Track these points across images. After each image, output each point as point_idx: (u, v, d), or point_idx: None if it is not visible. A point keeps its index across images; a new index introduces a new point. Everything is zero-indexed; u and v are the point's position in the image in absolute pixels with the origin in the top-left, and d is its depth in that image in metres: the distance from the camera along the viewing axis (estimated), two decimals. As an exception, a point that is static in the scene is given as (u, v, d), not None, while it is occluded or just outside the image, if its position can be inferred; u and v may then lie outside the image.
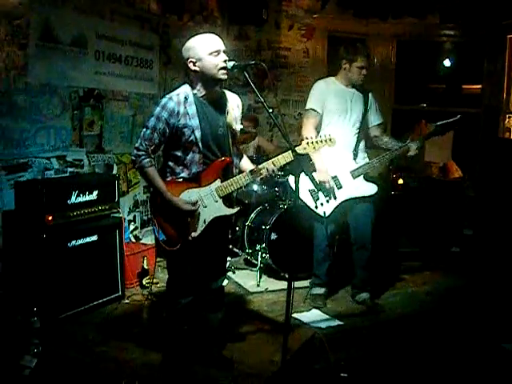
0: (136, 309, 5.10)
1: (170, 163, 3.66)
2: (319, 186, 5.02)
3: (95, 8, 5.76)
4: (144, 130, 3.58)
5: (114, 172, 6.18)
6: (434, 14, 8.17)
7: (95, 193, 5.02)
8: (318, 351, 3.65)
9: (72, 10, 5.49)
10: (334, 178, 5.11)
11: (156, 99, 6.39)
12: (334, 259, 5.51)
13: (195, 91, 3.62)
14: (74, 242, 4.80)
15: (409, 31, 8.38)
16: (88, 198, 4.95)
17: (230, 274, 6.07)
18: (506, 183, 6.99)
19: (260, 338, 4.58)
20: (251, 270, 6.28)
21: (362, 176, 5.17)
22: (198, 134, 3.54)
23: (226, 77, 3.56)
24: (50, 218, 4.56)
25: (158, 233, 3.66)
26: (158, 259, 5.28)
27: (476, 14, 7.84)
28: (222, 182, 3.67)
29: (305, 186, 5.05)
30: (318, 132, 5.10)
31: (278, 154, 3.69)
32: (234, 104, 3.84)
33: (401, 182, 7.30)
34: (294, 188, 5.00)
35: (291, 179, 5.26)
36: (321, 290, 5.47)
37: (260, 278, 5.94)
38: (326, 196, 5.08)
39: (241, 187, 3.80)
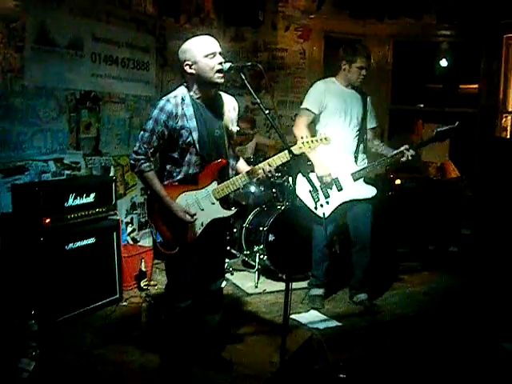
0: (134, 311, 5.09)
1: (167, 165, 3.64)
2: (316, 187, 5.03)
3: (91, 10, 5.75)
4: (142, 132, 3.56)
5: (111, 174, 6.16)
6: (430, 14, 8.17)
7: (92, 195, 5.02)
8: (316, 352, 3.65)
9: (68, 12, 5.48)
10: (335, 179, 5.11)
11: (153, 101, 6.37)
12: (332, 260, 5.51)
13: (191, 93, 3.61)
14: (71, 245, 4.80)
15: (405, 31, 8.38)
16: (85, 200, 4.95)
17: (228, 275, 6.06)
18: (504, 182, 6.99)
19: (258, 340, 4.58)
20: (249, 272, 6.27)
21: (362, 178, 5.18)
22: (195, 135, 3.54)
23: (222, 80, 3.55)
24: (48, 220, 4.56)
25: (155, 235, 3.66)
26: (156, 261, 5.31)
27: (472, 14, 7.85)
28: (218, 184, 3.66)
29: (305, 186, 5.04)
30: (314, 132, 5.11)
31: (275, 155, 3.69)
32: (231, 106, 3.83)
33: (398, 182, 7.30)
34: (308, 184, 5.05)
35: (298, 179, 5.25)
36: (319, 291, 5.47)
37: (258, 279, 5.94)
38: (325, 195, 5.08)
39: (238, 189, 3.79)
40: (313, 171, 5.09)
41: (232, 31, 7.97)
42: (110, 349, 4.32)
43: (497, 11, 7.61)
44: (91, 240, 4.99)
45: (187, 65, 3.55)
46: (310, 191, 5.07)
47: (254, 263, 6.05)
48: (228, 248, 6.36)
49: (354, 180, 5.15)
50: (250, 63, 3.61)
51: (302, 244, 5.31)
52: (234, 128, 3.82)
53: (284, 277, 5.85)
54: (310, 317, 5.12)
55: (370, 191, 5.21)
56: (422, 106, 8.94)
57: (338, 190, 5.12)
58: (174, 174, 3.62)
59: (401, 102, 8.81)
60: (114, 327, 4.76)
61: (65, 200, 4.76)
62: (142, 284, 5.63)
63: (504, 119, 7.94)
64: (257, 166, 3.70)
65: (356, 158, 5.26)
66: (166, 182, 3.62)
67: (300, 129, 5.13)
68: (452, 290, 5.97)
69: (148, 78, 6.69)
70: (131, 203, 6.60)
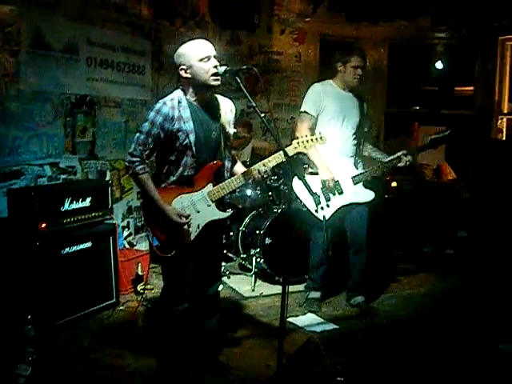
0: (131, 315, 5.07)
1: (164, 168, 3.64)
2: (312, 190, 5.03)
3: (86, 15, 5.74)
4: (138, 134, 3.56)
5: (107, 178, 6.16)
6: (425, 17, 8.18)
7: (88, 199, 5.01)
8: (313, 355, 3.63)
9: (63, 16, 5.47)
10: (336, 182, 5.11)
11: (148, 105, 6.37)
12: (329, 263, 5.51)
13: (188, 96, 3.61)
14: (67, 249, 4.79)
15: (401, 34, 8.40)
16: (81, 204, 4.95)
17: (224, 279, 6.05)
18: (500, 184, 7.00)
19: (255, 343, 4.57)
20: (246, 275, 6.27)
21: (361, 182, 5.19)
22: (192, 137, 3.54)
23: (218, 83, 3.55)
24: (44, 225, 4.55)
25: (152, 239, 3.65)
26: (152, 265, 5.29)
27: (467, 17, 7.86)
28: (214, 186, 3.66)
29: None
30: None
31: (270, 155, 3.70)
32: (227, 108, 3.83)
33: (394, 184, 7.31)
34: (296, 191, 5.05)
35: (295, 182, 5.25)
36: (316, 294, 5.47)
37: (255, 282, 5.94)
38: (326, 198, 5.08)
39: (233, 190, 3.79)
40: (315, 174, 5.08)
41: (227, 35, 7.97)
42: (107, 353, 4.32)
43: (491, 13, 7.63)
44: (87, 244, 4.98)
45: (182, 69, 3.55)
46: (311, 193, 5.07)
47: (250, 266, 6.05)
48: (224, 251, 6.37)
49: (354, 184, 5.16)
50: (245, 67, 3.61)
51: (299, 247, 5.32)
52: (231, 130, 3.83)
53: (281, 280, 5.84)
54: (307, 320, 5.11)
55: (368, 195, 5.22)
56: (417, 108, 8.94)
57: (339, 194, 5.12)
58: (171, 177, 3.62)
59: (396, 105, 8.82)
60: (110, 331, 4.76)
61: (61, 204, 4.75)
62: (139, 288, 5.62)
63: (500, 121, 7.95)
64: (252, 167, 3.70)
65: (356, 161, 5.28)
66: (162, 185, 3.62)
67: (302, 133, 5.11)
68: (449, 292, 5.97)
69: (144, 81, 6.68)
70: (127, 207, 6.59)
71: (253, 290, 5.86)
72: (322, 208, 5.06)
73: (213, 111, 3.70)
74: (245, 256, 6.27)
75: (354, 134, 5.25)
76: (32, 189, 4.98)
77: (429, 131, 8.14)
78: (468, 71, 8.32)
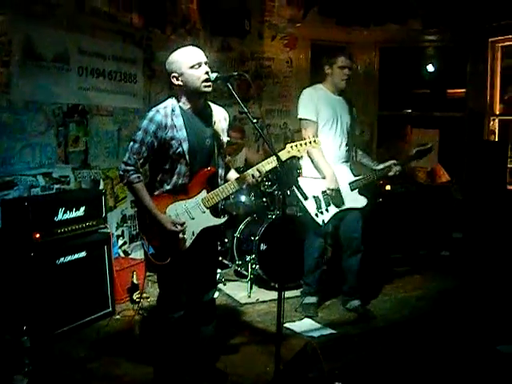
0: (127, 324, 5.06)
1: (158, 176, 3.64)
2: (306, 196, 5.06)
3: (77, 24, 5.72)
4: (132, 143, 3.55)
5: (101, 187, 6.15)
6: (416, 20, 8.21)
7: (82, 209, 5.01)
8: (311, 360, 3.63)
9: (53, 26, 5.46)
10: (339, 193, 5.12)
11: (141, 113, 6.36)
12: (325, 267, 5.52)
13: (181, 104, 3.61)
14: (62, 259, 4.78)
15: (391, 37, 8.42)
16: (75, 214, 4.94)
17: (220, 285, 6.05)
18: (493, 185, 7.02)
19: (252, 349, 4.57)
20: (242, 282, 6.26)
21: (357, 188, 5.22)
22: (185, 146, 3.53)
23: (209, 89, 3.55)
24: (38, 235, 4.54)
25: (147, 247, 3.64)
26: (148, 274, 5.28)
27: (458, 19, 7.88)
28: (208, 192, 3.66)
29: (309, 191, 5.05)
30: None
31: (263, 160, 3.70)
32: (221, 116, 3.83)
33: (388, 188, 7.32)
34: (298, 194, 5.07)
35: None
36: (312, 299, 5.47)
37: (251, 288, 5.92)
38: (325, 203, 5.09)
39: (227, 197, 3.79)
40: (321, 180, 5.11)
41: (218, 41, 7.97)
42: (103, 362, 4.30)
43: (482, 15, 7.65)
44: (82, 254, 4.97)
45: (174, 76, 3.56)
46: (313, 197, 5.08)
47: (246, 273, 6.04)
48: (220, 258, 6.36)
49: (351, 190, 5.19)
50: (236, 73, 3.62)
51: (294, 252, 5.31)
52: (225, 138, 3.83)
53: (277, 286, 5.83)
54: (303, 325, 5.11)
55: (363, 201, 5.28)
56: (409, 111, 8.96)
57: (338, 206, 5.15)
58: (164, 185, 3.61)
59: (388, 108, 8.83)
60: (107, 341, 4.74)
61: (54, 214, 4.75)
62: (135, 297, 5.61)
63: (492, 122, 7.96)
64: (246, 173, 3.70)
65: (351, 167, 5.30)
66: (156, 193, 3.61)
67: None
68: (445, 294, 5.98)
69: (135, 90, 6.67)
70: (122, 216, 6.57)
71: (249, 297, 5.85)
72: (321, 212, 5.07)
73: (206, 119, 3.70)
74: (240, 262, 6.27)
75: (347, 138, 5.27)
76: (25, 199, 4.96)
77: (421, 134, 8.19)
78: (459, 73, 8.33)
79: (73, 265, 4.87)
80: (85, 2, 5.81)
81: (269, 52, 8.25)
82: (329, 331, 4.97)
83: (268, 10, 8.14)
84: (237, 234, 6.36)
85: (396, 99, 8.94)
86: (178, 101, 3.62)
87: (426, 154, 5.37)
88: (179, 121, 3.55)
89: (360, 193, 5.26)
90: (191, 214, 3.63)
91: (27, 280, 4.51)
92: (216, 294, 4.27)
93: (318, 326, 5.10)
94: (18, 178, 5.17)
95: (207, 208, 3.67)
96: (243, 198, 6.53)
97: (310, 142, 3.69)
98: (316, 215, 5.07)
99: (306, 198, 5.02)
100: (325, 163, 5.08)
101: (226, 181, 3.82)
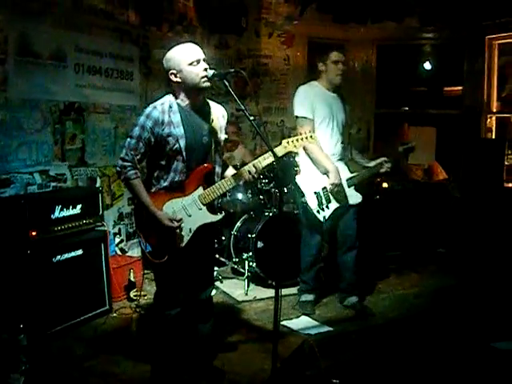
0: (124, 322, 5.06)
1: (154, 173, 3.63)
2: (304, 193, 5.07)
3: (73, 21, 5.70)
4: (129, 139, 3.55)
5: (98, 185, 6.13)
6: (413, 18, 8.21)
7: (79, 207, 5.00)
8: (308, 358, 3.62)
9: (50, 24, 5.44)
10: (341, 189, 5.13)
11: (137, 111, 6.34)
12: (322, 264, 5.52)
13: (179, 100, 3.60)
14: (58, 257, 4.76)
15: (389, 35, 8.42)
16: (72, 212, 4.93)
17: (217, 283, 6.04)
18: (490, 183, 7.03)
19: (250, 347, 4.57)
20: (239, 279, 6.26)
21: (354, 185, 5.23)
22: (182, 142, 3.53)
23: (208, 84, 3.55)
24: (34, 233, 4.53)
25: (144, 245, 3.63)
26: (145, 271, 5.27)
27: (455, 17, 7.89)
28: (204, 189, 3.65)
29: (311, 188, 5.05)
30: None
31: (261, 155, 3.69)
32: (219, 114, 3.82)
33: (385, 185, 7.32)
34: (301, 188, 5.08)
35: (299, 179, 5.24)
36: (309, 297, 5.47)
37: (248, 286, 5.93)
38: (326, 199, 5.10)
39: (224, 193, 3.78)
40: (321, 176, 5.11)
41: (215, 39, 7.96)
42: (101, 360, 4.29)
43: (478, 13, 7.65)
44: (79, 252, 4.96)
45: (172, 73, 3.55)
46: (314, 193, 5.08)
47: (243, 270, 6.04)
48: (217, 256, 6.36)
49: (348, 186, 5.19)
50: (233, 70, 3.60)
51: (291, 250, 5.30)
52: (223, 136, 3.82)
53: (274, 283, 5.83)
54: (300, 322, 5.11)
55: (358, 197, 5.30)
56: (406, 109, 8.95)
57: (339, 202, 5.16)
58: (161, 182, 3.61)
59: (385, 106, 8.83)
60: (104, 339, 4.73)
61: (51, 212, 4.73)
62: (132, 295, 5.60)
63: (489, 120, 7.97)
64: (242, 169, 3.70)
65: (346, 163, 5.30)
66: (152, 190, 3.61)
67: None
68: (442, 291, 5.98)
69: (132, 87, 6.66)
70: (118, 214, 6.56)
71: (246, 294, 5.85)
72: (322, 209, 5.08)
73: (204, 116, 3.70)
74: (237, 260, 6.27)
75: (342, 135, 5.28)
76: (22, 197, 4.96)
77: (418, 132, 8.20)
78: (457, 71, 8.34)
79: (69, 263, 4.86)
80: (81, 0, 5.79)
81: (266, 49, 8.23)
82: (326, 329, 4.97)
83: (265, 8, 8.13)
84: (234, 232, 6.36)
85: (393, 97, 8.94)
86: (176, 97, 3.61)
87: (410, 152, 5.45)
88: (176, 117, 3.54)
89: (355, 189, 5.27)
90: (188, 211, 3.62)
91: (24, 278, 4.49)
92: (213, 292, 4.26)
93: (316, 323, 5.10)
94: (15, 176, 5.15)
95: (204, 205, 3.66)
96: (240, 196, 6.51)
97: (307, 138, 3.68)
98: (318, 212, 5.08)
99: (302, 196, 5.03)
100: (326, 159, 5.07)
101: (223, 179, 3.81)
